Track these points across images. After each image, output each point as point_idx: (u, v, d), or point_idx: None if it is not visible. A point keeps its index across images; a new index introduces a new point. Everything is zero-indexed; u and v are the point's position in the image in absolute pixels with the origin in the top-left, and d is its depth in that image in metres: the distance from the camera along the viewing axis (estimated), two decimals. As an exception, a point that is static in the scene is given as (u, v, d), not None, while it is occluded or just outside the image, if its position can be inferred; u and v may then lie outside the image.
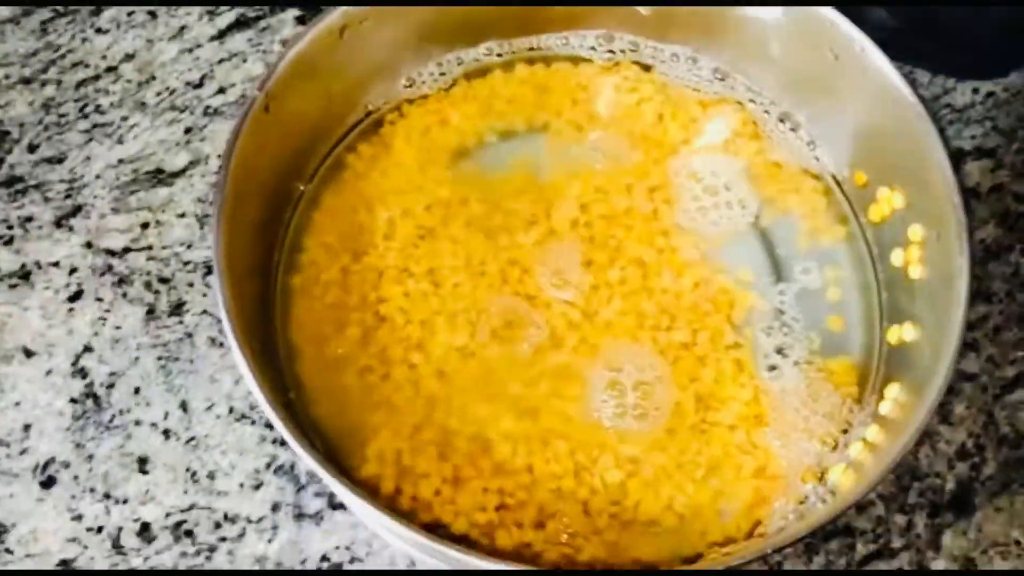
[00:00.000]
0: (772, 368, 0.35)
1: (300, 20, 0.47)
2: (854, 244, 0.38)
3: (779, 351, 0.36)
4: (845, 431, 0.34)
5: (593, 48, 0.42)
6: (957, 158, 0.43)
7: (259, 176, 0.35)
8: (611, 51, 0.42)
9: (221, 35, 0.47)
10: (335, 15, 0.37)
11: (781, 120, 0.40)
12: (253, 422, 0.38)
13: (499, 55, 0.42)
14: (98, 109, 0.45)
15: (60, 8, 0.47)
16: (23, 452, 0.38)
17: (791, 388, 0.35)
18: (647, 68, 0.41)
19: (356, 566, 0.36)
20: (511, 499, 0.33)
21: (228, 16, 0.47)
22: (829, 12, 0.36)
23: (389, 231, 0.38)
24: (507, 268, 0.37)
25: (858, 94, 0.37)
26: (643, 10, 0.41)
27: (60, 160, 0.43)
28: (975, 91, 0.45)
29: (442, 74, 0.41)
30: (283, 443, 0.38)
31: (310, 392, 0.35)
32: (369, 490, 0.33)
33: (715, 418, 0.35)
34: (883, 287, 0.37)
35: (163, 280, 0.41)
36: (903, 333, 0.35)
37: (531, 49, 0.42)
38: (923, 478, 0.37)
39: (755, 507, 0.33)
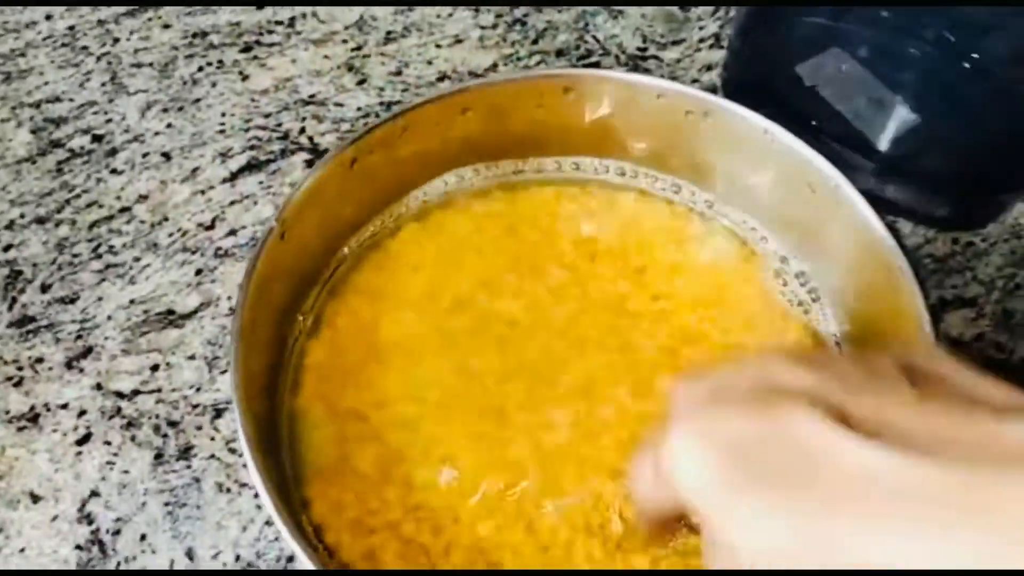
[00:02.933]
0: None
1: (308, 164, 0.49)
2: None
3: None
4: None
5: (595, 171, 0.45)
6: (935, 307, 0.45)
7: (273, 296, 0.37)
8: (621, 173, 0.44)
9: (233, 177, 0.48)
10: (347, 150, 0.39)
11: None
12: (260, 571, 0.38)
13: (501, 175, 0.45)
14: (111, 250, 0.46)
15: (75, 148, 0.49)
16: (26, 602, 0.38)
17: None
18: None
19: None
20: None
21: (240, 159, 0.49)
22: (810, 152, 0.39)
23: (391, 349, 0.39)
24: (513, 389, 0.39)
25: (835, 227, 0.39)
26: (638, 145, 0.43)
27: (72, 300, 0.44)
28: (955, 241, 0.47)
29: (447, 191, 0.44)
30: (289, 593, 0.38)
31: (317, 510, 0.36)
32: None
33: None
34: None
35: (172, 424, 0.41)
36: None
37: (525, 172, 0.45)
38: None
39: None
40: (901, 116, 0.46)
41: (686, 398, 0.25)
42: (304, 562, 0.31)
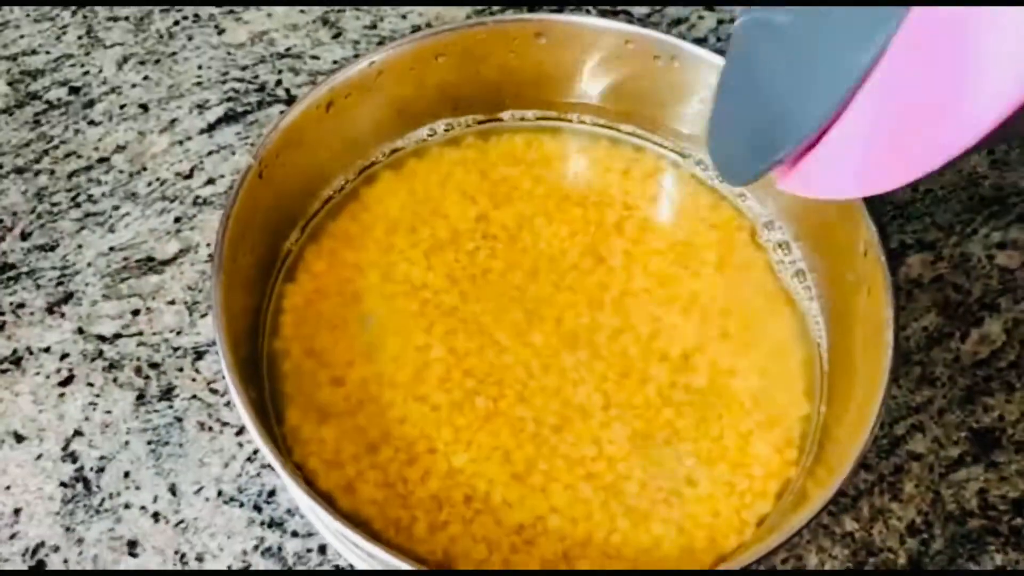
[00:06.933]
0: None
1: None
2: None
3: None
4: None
5: (566, 119, 0.46)
6: (881, 222, 0.47)
7: (251, 236, 0.38)
8: (582, 120, 0.46)
9: (211, 128, 0.49)
10: (322, 91, 0.40)
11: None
12: (241, 504, 0.39)
13: (477, 122, 0.46)
14: (90, 198, 0.47)
15: (53, 100, 0.49)
16: (13, 537, 0.38)
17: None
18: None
19: (342, 646, 0.37)
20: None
21: (217, 110, 0.49)
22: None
23: (367, 292, 0.41)
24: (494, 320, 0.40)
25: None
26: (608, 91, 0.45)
27: (52, 248, 0.45)
28: (915, 189, 0.49)
29: (424, 139, 0.45)
30: (271, 525, 0.39)
31: (302, 443, 0.38)
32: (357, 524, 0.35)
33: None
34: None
35: (153, 365, 0.42)
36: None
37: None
38: (877, 553, 0.39)
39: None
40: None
41: None
42: (292, 492, 0.32)
